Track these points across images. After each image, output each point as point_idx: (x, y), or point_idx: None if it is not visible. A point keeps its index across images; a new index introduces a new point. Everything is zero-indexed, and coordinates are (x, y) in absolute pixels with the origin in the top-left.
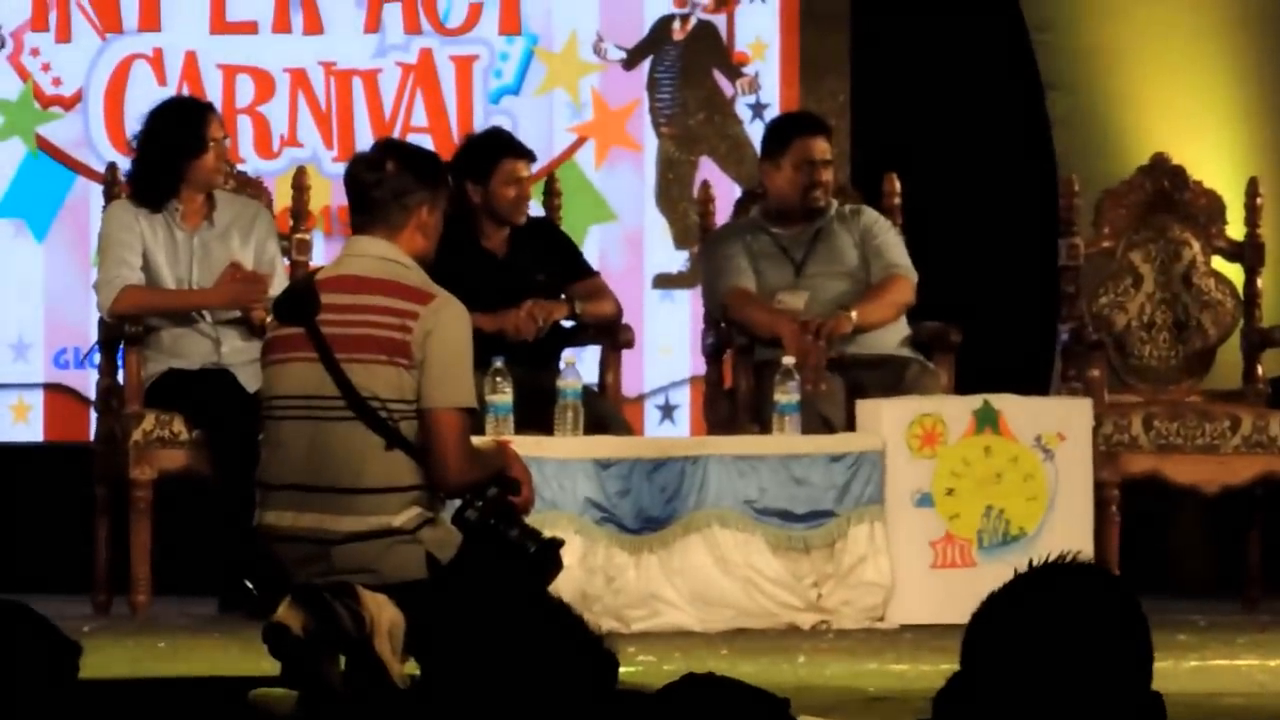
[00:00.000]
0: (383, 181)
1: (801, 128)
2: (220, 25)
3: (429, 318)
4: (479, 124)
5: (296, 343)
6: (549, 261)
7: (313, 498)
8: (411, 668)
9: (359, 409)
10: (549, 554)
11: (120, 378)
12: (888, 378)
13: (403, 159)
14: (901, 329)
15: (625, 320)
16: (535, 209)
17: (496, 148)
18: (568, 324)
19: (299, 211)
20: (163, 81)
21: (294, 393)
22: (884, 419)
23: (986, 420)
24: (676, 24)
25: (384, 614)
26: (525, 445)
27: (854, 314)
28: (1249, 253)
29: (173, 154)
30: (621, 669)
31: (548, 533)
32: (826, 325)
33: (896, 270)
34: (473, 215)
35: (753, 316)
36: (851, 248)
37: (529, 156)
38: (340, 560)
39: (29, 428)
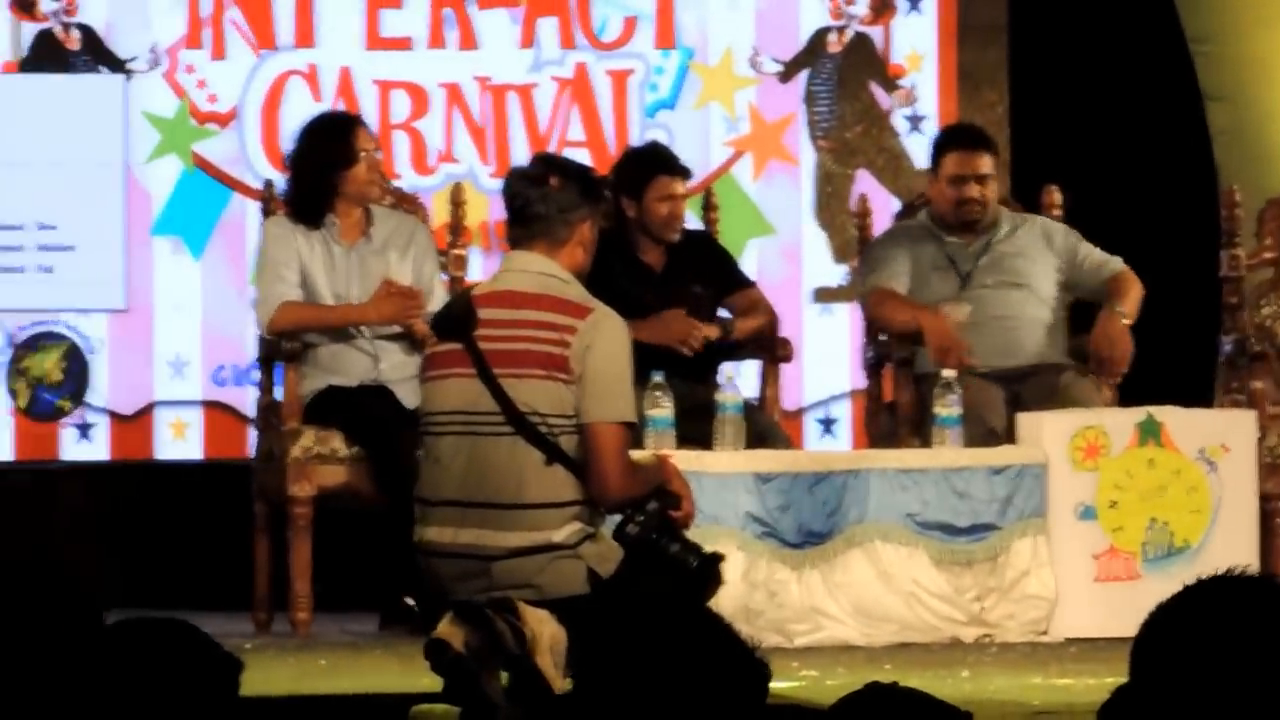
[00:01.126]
0: (546, 196)
1: (956, 142)
2: (375, 41)
3: (588, 332)
4: (635, 138)
5: (455, 359)
6: (706, 275)
7: (473, 513)
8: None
9: (518, 424)
10: (710, 569)
11: (279, 394)
12: (1043, 385)
13: (565, 174)
14: (1061, 339)
15: (784, 334)
16: (693, 222)
17: (651, 164)
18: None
19: (456, 227)
20: (318, 98)
21: (453, 408)
22: (1045, 432)
23: (1150, 433)
24: (833, 36)
25: (545, 629)
26: (685, 460)
27: (1121, 309)
28: None
29: (325, 168)
30: (784, 684)
31: (709, 548)
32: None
33: (1118, 262)
34: (628, 229)
35: (892, 314)
36: (1024, 261)
37: (684, 173)
38: (500, 576)
39: (187, 445)
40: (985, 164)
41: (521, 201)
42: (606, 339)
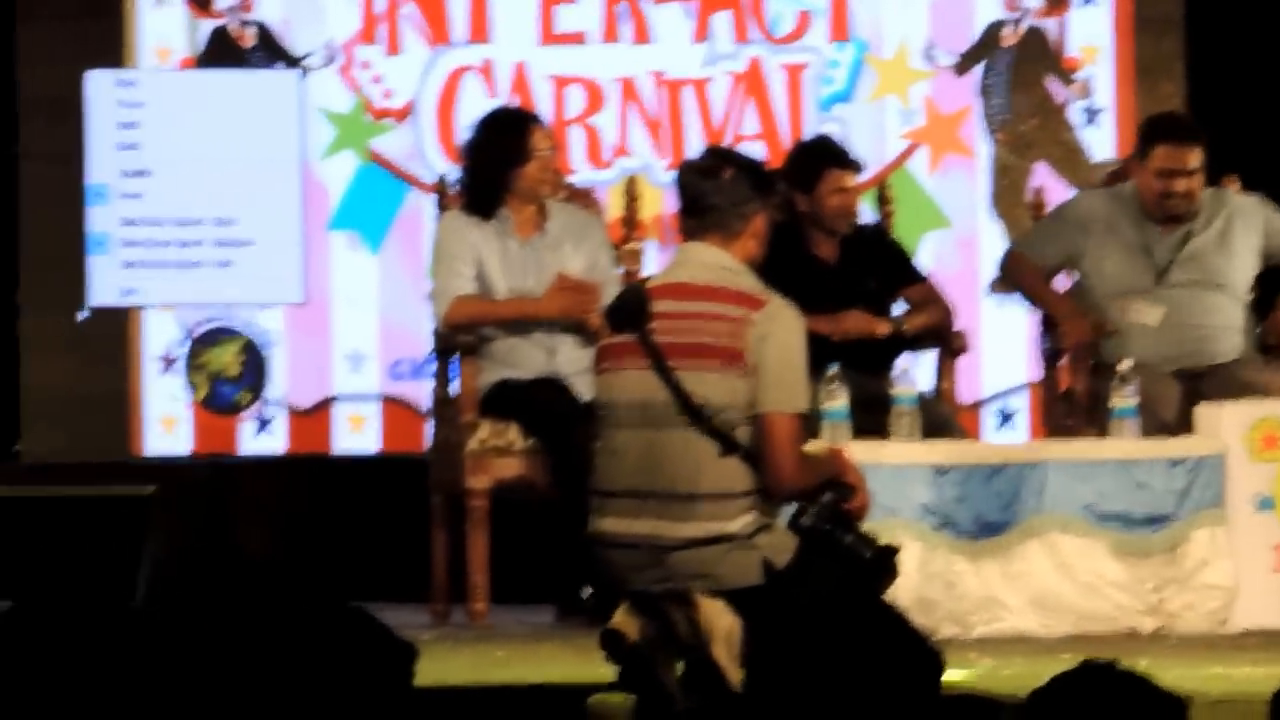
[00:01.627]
0: (719, 188)
1: (1167, 134)
2: (549, 36)
3: (763, 323)
4: (810, 131)
5: (629, 350)
6: (880, 269)
7: (648, 504)
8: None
9: (693, 416)
10: (884, 561)
11: (455, 388)
12: (1223, 378)
13: (738, 166)
14: (1249, 332)
15: (960, 326)
16: (868, 216)
17: (822, 158)
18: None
19: (631, 221)
20: (493, 93)
21: (629, 400)
22: (1224, 422)
23: None
24: (1007, 30)
25: (721, 621)
26: (862, 451)
27: None
28: None
29: (498, 164)
30: (961, 674)
31: (884, 539)
32: None
33: None
34: (801, 224)
35: (1031, 286)
36: (1222, 258)
37: (855, 167)
38: (676, 566)
39: (365, 438)
40: (1194, 158)
41: (694, 194)
42: (782, 329)
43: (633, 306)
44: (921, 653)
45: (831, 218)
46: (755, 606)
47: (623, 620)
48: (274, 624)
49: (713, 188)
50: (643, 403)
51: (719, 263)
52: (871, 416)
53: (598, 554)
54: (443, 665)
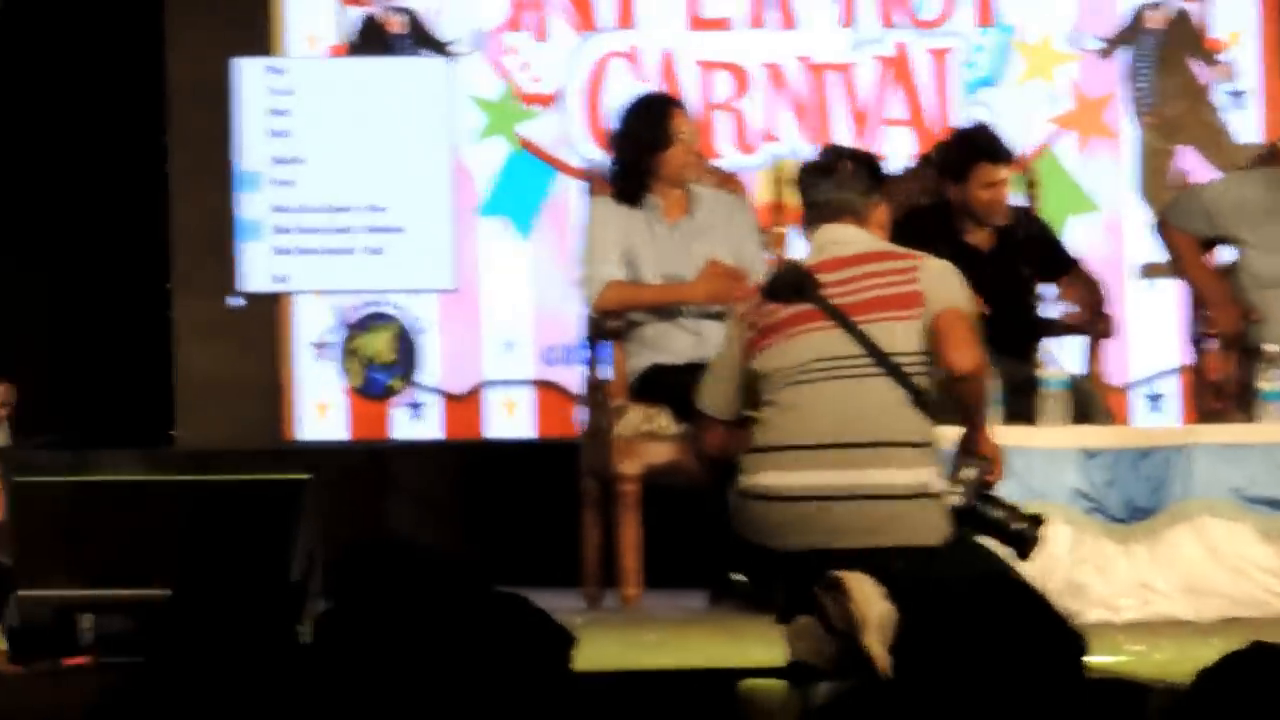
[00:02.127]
0: (843, 181)
1: None
2: (696, 22)
3: (927, 265)
4: (956, 116)
5: (806, 316)
6: (1033, 255)
7: (831, 454)
8: None
9: (885, 365)
10: (1032, 532)
11: (606, 372)
12: None
13: (855, 159)
14: None
15: (1107, 310)
16: (1015, 199)
17: (975, 150)
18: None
19: (778, 205)
20: (640, 79)
21: (812, 359)
22: None
23: None
24: (1152, 13)
25: (874, 609)
26: (1012, 435)
27: None
28: None
29: (642, 150)
30: (1110, 658)
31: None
32: None
33: None
34: (952, 211)
35: (1186, 263)
36: None
37: (1007, 159)
38: (846, 520)
39: (518, 423)
40: None
41: (820, 188)
42: (945, 269)
43: (795, 279)
44: (1065, 636)
45: (981, 211)
46: (927, 565)
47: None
48: (437, 610)
49: (836, 181)
50: (831, 358)
51: (861, 237)
52: (1021, 401)
53: (752, 511)
54: (594, 650)
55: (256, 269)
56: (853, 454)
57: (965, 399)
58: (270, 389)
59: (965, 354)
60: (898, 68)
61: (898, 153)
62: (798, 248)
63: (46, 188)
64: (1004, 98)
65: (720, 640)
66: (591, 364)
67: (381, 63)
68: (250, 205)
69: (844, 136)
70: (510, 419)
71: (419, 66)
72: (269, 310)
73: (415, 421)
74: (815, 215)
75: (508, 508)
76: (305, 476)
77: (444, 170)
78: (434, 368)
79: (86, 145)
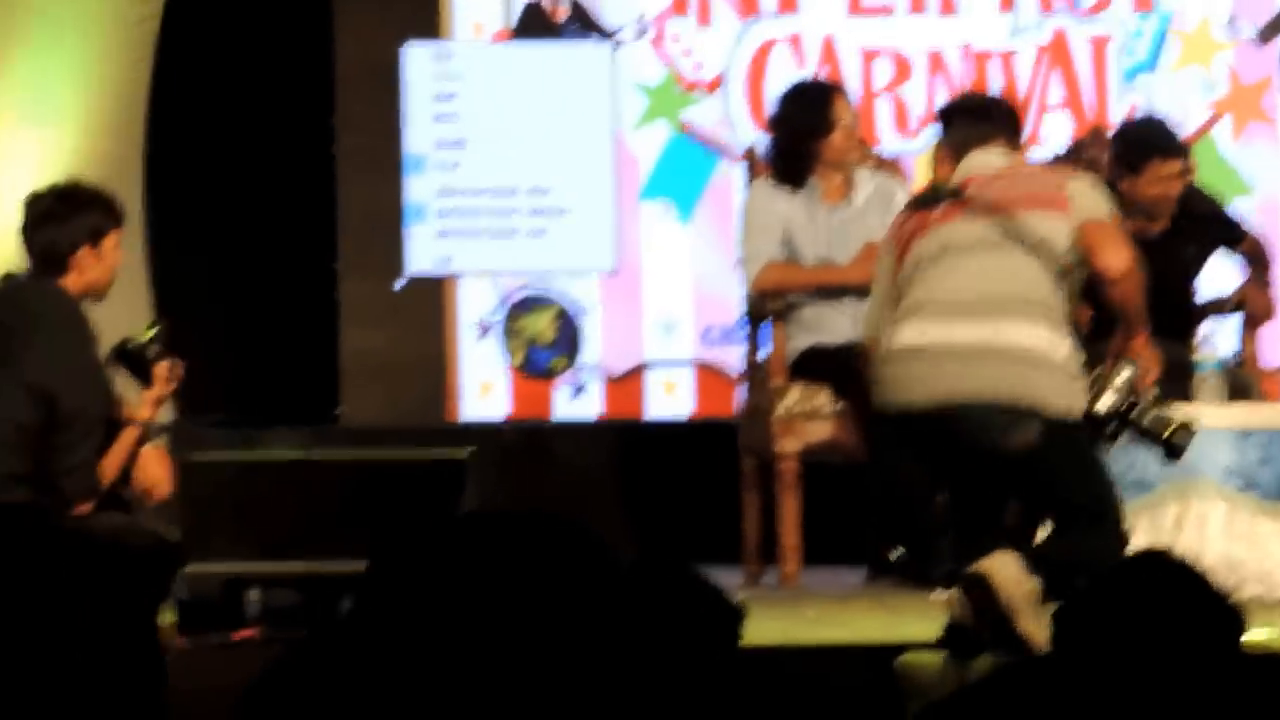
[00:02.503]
0: (997, 115)
1: None
2: (857, 8)
3: (1076, 176)
4: (1114, 103)
5: (952, 211)
6: (1202, 232)
7: (976, 311)
8: None
9: (1029, 246)
10: (1182, 436)
11: (765, 353)
12: None
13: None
14: None
15: (1269, 289)
16: None
17: (1150, 146)
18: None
19: None
20: (801, 64)
21: (959, 240)
22: None
23: None
24: None
25: (1020, 589)
26: None
27: None
28: None
29: (803, 135)
30: (1266, 633)
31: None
32: None
33: None
34: (1121, 197)
35: None
36: None
37: (1181, 153)
38: (987, 375)
39: (677, 403)
40: None
41: (966, 121)
42: (1095, 183)
43: (942, 190)
44: (1222, 612)
45: (1149, 205)
46: (1060, 439)
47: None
48: (608, 583)
49: (990, 115)
50: (979, 238)
51: (1011, 159)
52: (1176, 384)
53: (888, 372)
54: (755, 626)
55: (421, 251)
56: (990, 314)
57: (1120, 303)
58: (434, 369)
59: (1116, 257)
60: (1056, 54)
61: (1055, 139)
62: None
63: (217, 171)
64: (1161, 84)
65: (878, 616)
66: (751, 344)
67: (546, 48)
68: (416, 188)
69: None
70: (670, 399)
71: (583, 52)
72: (433, 291)
73: (576, 401)
74: (962, 143)
75: (668, 487)
76: (468, 454)
77: (606, 154)
78: (595, 348)
79: (256, 129)
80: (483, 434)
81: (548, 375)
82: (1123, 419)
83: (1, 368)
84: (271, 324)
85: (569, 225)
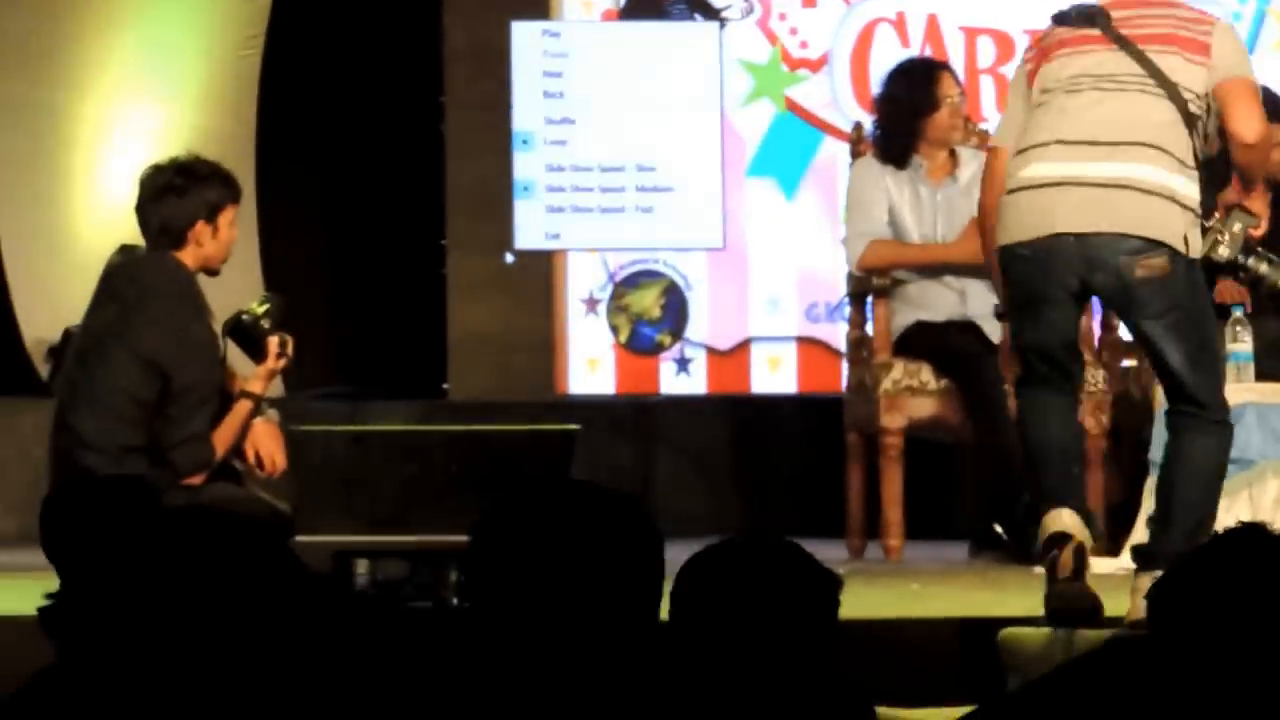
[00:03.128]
0: None
1: None
2: None
3: (1221, 25)
4: None
5: (1091, 39)
6: None
7: (1097, 149)
8: None
9: (1160, 84)
10: None
11: (870, 329)
12: None
13: None
14: None
15: None
16: None
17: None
18: None
19: None
20: (905, 43)
21: (1088, 72)
22: None
23: None
24: None
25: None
26: (1267, 394)
27: None
28: None
29: (909, 113)
30: None
31: None
32: None
33: None
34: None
35: None
36: None
37: None
38: (1109, 207)
39: (782, 379)
40: None
41: None
42: (1239, 38)
43: (1087, 9)
44: None
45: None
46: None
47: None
48: (705, 554)
49: None
50: (1110, 74)
51: None
52: (1275, 360)
53: (1012, 208)
54: (858, 599)
55: (529, 227)
56: (1114, 150)
57: (1244, 166)
58: (541, 344)
59: (1250, 124)
60: None
61: None
62: None
63: (329, 148)
64: (1259, 64)
65: (981, 590)
66: (856, 321)
67: (654, 27)
68: (524, 165)
69: None
70: (774, 375)
71: (690, 31)
72: (541, 267)
73: (681, 377)
74: None
75: (773, 461)
76: (576, 428)
77: (712, 131)
78: (700, 324)
79: (367, 107)
80: (590, 408)
81: (654, 351)
82: (1236, 268)
83: (117, 340)
84: (381, 299)
85: (675, 202)
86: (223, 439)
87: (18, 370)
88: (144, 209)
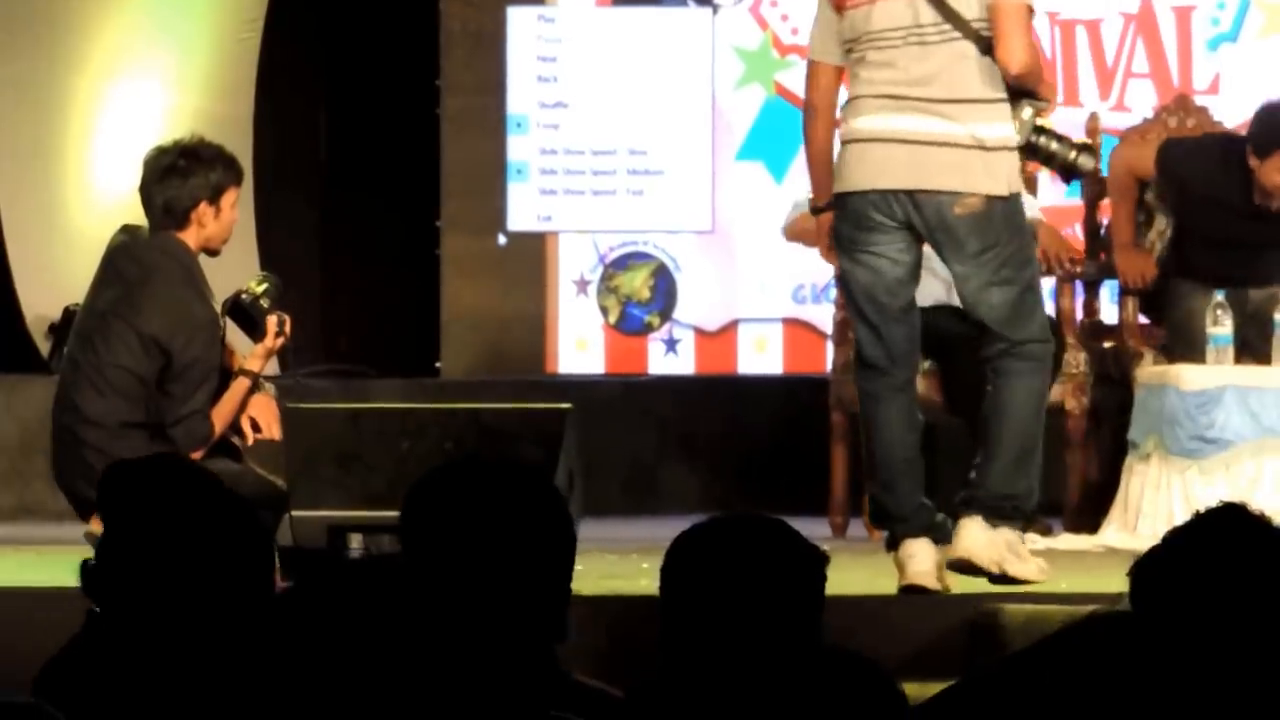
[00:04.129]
0: None
1: None
2: None
3: None
4: (1198, 71)
5: None
6: None
7: (914, 104)
8: None
9: (958, 26)
10: (1085, 160)
11: None
12: None
13: None
14: None
15: None
16: None
17: (1278, 137)
18: None
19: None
20: None
21: (890, 26)
22: None
23: None
24: None
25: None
26: (1246, 375)
27: None
28: None
29: None
30: None
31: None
32: None
33: None
34: (1247, 169)
35: None
36: None
37: None
38: (924, 163)
39: (768, 359)
40: None
41: None
42: None
43: None
44: None
45: (1269, 188)
46: (996, 219)
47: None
48: (693, 532)
49: None
50: (907, 25)
51: None
52: (1260, 334)
53: (844, 157)
54: (841, 576)
55: (522, 209)
56: (930, 105)
57: (1017, 85)
58: (532, 324)
59: (1015, 55)
60: (1142, 23)
61: (1140, 107)
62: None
63: (326, 131)
64: (1243, 54)
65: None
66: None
67: (647, 13)
68: (517, 148)
69: (1090, 91)
70: (761, 355)
71: (683, 17)
72: (533, 249)
73: (670, 357)
74: None
75: (758, 440)
76: (568, 406)
77: (703, 116)
78: (689, 305)
79: (364, 90)
80: (580, 387)
81: (643, 331)
82: (1030, 149)
83: (120, 319)
84: (375, 279)
85: (666, 185)
86: (222, 415)
87: (18, 347)
88: (148, 189)
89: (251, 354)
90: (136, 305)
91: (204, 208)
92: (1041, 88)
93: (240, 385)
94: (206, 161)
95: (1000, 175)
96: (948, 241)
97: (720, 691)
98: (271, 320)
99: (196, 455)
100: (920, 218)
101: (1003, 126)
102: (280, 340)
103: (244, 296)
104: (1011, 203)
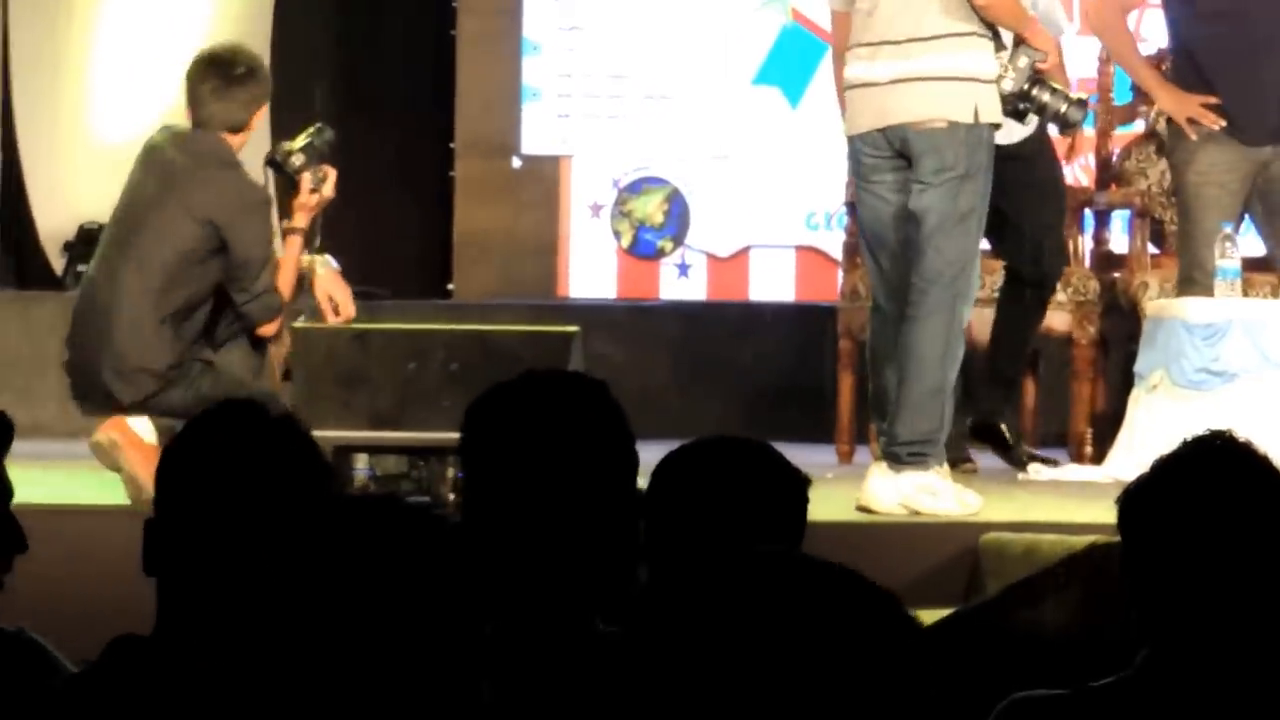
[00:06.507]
0: None
1: None
2: None
3: None
4: None
5: None
6: None
7: (885, 49)
8: None
9: None
10: (1075, 113)
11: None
12: None
13: None
14: None
15: None
16: None
17: None
18: None
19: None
20: None
21: None
22: None
23: None
24: None
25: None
26: (1253, 309)
27: None
28: None
29: None
30: None
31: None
32: None
33: None
34: None
35: None
36: None
37: None
38: (899, 102)
39: (780, 285)
40: None
41: None
42: None
43: None
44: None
45: None
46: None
47: None
48: (677, 454)
49: None
50: None
51: None
52: None
53: (847, 100)
54: (845, 502)
55: (537, 132)
56: (907, 47)
57: (990, 20)
58: (545, 248)
59: None
60: None
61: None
62: None
63: (341, 51)
64: None
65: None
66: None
67: None
68: (533, 71)
69: None
70: (773, 281)
71: None
72: (547, 172)
73: (682, 281)
74: None
75: (768, 366)
76: (575, 329)
77: (719, 41)
78: (702, 230)
79: (380, 10)
80: (591, 311)
81: (655, 256)
82: (1023, 96)
83: (165, 202)
84: (389, 201)
85: (681, 110)
86: (285, 281)
87: (33, 265)
88: (194, 92)
89: (294, 210)
90: (186, 187)
91: (240, 119)
92: (1031, 35)
93: (293, 246)
94: (249, 73)
95: (965, 102)
96: (913, 164)
97: (707, 611)
98: (305, 177)
99: (271, 328)
100: (905, 151)
101: (969, 57)
102: (316, 196)
103: (279, 152)
104: (976, 130)
